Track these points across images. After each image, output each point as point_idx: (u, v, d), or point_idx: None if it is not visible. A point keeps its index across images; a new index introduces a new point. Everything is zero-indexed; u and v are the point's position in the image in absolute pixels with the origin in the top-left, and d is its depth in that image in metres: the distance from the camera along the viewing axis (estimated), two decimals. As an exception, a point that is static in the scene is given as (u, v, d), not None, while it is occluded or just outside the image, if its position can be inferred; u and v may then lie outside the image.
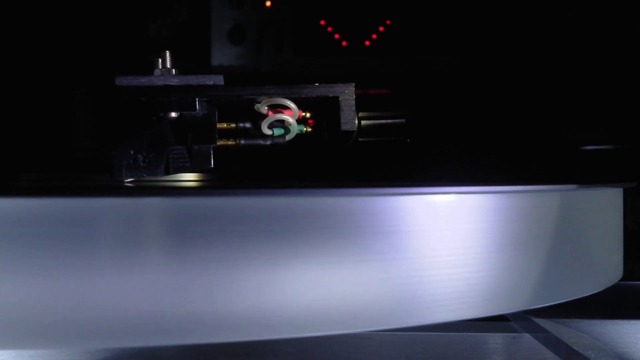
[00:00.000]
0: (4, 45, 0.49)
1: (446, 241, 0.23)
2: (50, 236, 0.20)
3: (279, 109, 0.28)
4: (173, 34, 0.51)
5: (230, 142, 0.28)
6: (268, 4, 0.51)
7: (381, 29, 0.51)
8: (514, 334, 0.33)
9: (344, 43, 0.51)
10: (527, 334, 0.33)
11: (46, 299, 0.20)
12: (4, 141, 0.47)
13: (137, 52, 0.51)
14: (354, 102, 0.28)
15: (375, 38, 0.51)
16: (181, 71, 0.28)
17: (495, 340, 0.33)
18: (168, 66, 0.28)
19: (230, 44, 0.51)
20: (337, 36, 0.51)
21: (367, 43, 0.51)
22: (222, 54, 0.51)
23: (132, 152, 0.26)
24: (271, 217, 0.21)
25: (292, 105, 0.28)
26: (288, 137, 0.28)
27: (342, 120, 0.28)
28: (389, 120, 0.31)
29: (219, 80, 0.27)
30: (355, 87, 0.28)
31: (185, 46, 0.51)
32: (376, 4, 0.51)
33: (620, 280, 0.32)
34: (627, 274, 0.33)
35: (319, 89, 0.28)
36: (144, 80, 0.27)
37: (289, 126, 0.28)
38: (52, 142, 0.45)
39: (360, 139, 0.30)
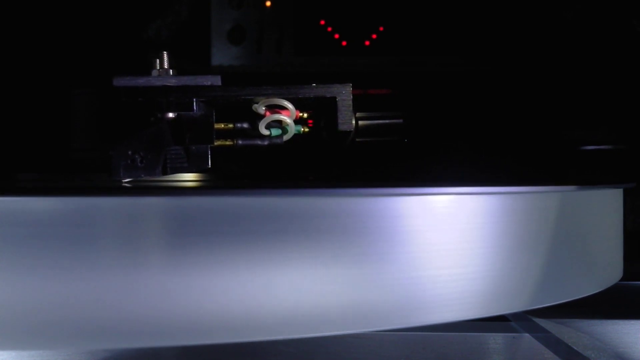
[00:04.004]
0: (4, 45, 0.49)
1: (446, 241, 0.23)
2: (49, 236, 0.20)
3: (276, 110, 0.28)
4: (173, 34, 0.51)
5: (227, 143, 0.28)
6: (268, 4, 0.51)
7: (381, 28, 0.51)
8: (514, 334, 0.33)
9: (344, 43, 0.51)
10: (527, 334, 0.33)
11: (46, 299, 0.20)
12: (3, 141, 0.47)
13: (137, 52, 0.51)
14: (351, 103, 0.28)
15: (375, 38, 0.51)
16: (181, 71, 0.28)
17: (495, 340, 0.32)
18: (166, 67, 0.28)
19: (230, 44, 0.51)
20: (337, 36, 0.51)
21: (367, 43, 0.51)
22: (222, 54, 0.50)
23: (129, 152, 0.26)
24: (270, 217, 0.21)
25: (289, 105, 0.28)
26: (285, 138, 0.28)
27: (340, 121, 0.28)
28: (387, 121, 0.31)
29: (217, 80, 0.27)
30: (355, 87, 0.28)
31: (185, 46, 0.51)
32: (376, 3, 0.51)
33: (620, 280, 0.32)
34: (627, 274, 0.33)
35: (316, 90, 0.28)
36: (141, 81, 0.27)
37: (287, 126, 0.28)
38: (52, 142, 0.45)
39: (357, 139, 0.30)
